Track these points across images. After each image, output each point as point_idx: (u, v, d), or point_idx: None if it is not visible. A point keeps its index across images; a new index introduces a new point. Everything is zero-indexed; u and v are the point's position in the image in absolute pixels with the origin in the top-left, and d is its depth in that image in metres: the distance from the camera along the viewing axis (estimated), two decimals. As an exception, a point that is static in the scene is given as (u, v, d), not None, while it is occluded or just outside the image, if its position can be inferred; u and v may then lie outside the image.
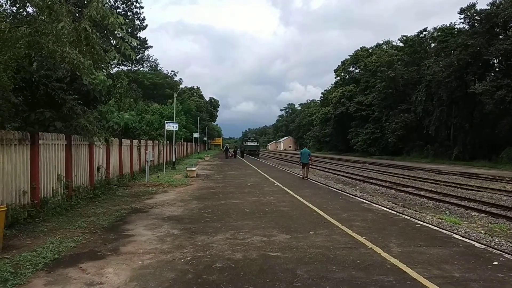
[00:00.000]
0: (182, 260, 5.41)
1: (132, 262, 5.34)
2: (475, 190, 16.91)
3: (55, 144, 9.32)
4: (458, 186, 18.59)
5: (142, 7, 45.38)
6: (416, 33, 53.33)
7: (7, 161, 7.31)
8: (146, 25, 47.40)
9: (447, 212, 11.94)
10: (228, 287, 4.39)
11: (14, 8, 8.69)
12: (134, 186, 14.74)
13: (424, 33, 52.46)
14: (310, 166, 20.95)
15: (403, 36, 56.89)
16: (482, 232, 8.89)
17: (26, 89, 9.45)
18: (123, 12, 42.18)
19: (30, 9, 8.74)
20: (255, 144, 57.59)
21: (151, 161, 18.69)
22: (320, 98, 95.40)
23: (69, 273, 4.87)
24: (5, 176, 7.19)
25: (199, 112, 64.84)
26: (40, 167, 8.51)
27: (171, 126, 21.65)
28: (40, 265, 5.13)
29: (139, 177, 17.51)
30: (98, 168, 12.55)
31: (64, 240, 6.39)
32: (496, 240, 7.99)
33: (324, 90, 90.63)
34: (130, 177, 16.76)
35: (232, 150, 56.31)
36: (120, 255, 5.70)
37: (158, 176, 18.17)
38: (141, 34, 48.43)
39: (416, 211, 11.64)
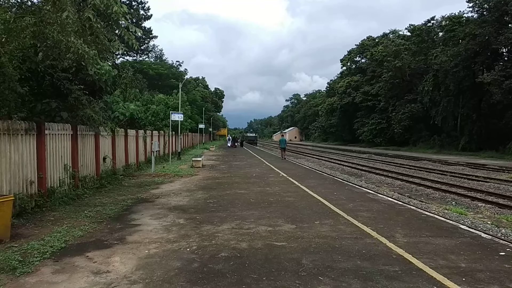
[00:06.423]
0: (188, 250, 5.45)
1: (138, 251, 5.38)
2: (481, 181, 16.78)
3: (61, 134, 9.37)
4: (465, 176, 18.46)
5: (147, -3, 45.06)
6: (423, 22, 52.45)
7: (14, 151, 7.36)
8: (151, 15, 47.21)
9: (453, 202, 11.86)
10: (233, 276, 4.41)
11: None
12: (140, 176, 14.82)
13: (431, 22, 51.51)
14: (287, 150, 31.40)
15: (410, 25, 55.91)
16: (489, 222, 8.82)
17: (32, 79, 9.46)
18: (127, 2, 41.95)
19: (35, -1, 8.71)
20: (254, 135, 76.33)
21: (156, 151, 18.75)
22: (326, 88, 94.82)
23: (76, 262, 4.93)
24: (12, 166, 7.25)
25: (204, 102, 64.78)
26: (47, 157, 8.57)
27: (177, 117, 21.68)
28: (47, 253, 5.20)
29: (145, 167, 17.60)
30: (104, 158, 12.62)
31: (71, 229, 6.46)
32: (503, 230, 7.92)
33: (330, 80, 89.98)
34: (136, 167, 16.85)
35: (237, 140, 57.23)
36: (127, 244, 5.75)
37: (163, 166, 18.25)
38: (146, 24, 48.28)
39: (422, 201, 11.58)
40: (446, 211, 9.90)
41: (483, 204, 11.48)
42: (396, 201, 9.86)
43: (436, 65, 43.01)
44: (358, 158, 33.93)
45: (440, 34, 49.89)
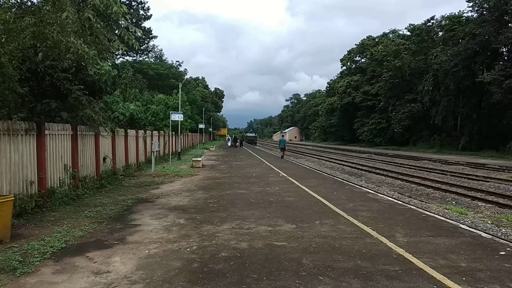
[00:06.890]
0: (188, 250, 5.45)
1: (138, 251, 5.38)
2: (481, 180, 16.77)
3: (61, 134, 9.37)
4: (465, 176, 18.46)
5: (147, -3, 45.01)
6: (423, 22, 52.51)
7: (14, 151, 7.36)
8: (151, 15, 47.10)
9: (453, 202, 11.86)
10: (233, 276, 4.41)
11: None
12: (140, 176, 14.82)
13: (431, 21, 51.56)
14: (287, 150, 33.58)
15: (410, 24, 56.02)
16: (489, 222, 8.82)
17: (32, 80, 9.44)
18: (127, 2, 41.93)
19: (34, -1, 8.71)
20: (253, 135, 77.56)
21: (156, 151, 18.75)
22: (326, 88, 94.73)
23: (76, 262, 4.92)
24: (12, 166, 7.25)
25: (204, 102, 64.83)
26: (47, 157, 8.56)
27: (176, 117, 21.69)
28: (48, 254, 5.19)
29: (145, 168, 17.59)
30: (104, 159, 12.61)
31: (71, 230, 6.45)
32: (503, 230, 7.92)
33: (330, 80, 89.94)
34: (136, 168, 16.84)
35: (237, 140, 57.54)
36: (127, 244, 5.75)
37: (164, 167, 18.24)
38: (146, 24, 48.17)
39: (422, 201, 11.58)
40: (446, 210, 9.90)
41: (483, 204, 11.48)
42: (396, 201, 9.87)
43: (436, 65, 43.04)
44: (358, 158, 33.91)
45: (440, 33, 49.94)
